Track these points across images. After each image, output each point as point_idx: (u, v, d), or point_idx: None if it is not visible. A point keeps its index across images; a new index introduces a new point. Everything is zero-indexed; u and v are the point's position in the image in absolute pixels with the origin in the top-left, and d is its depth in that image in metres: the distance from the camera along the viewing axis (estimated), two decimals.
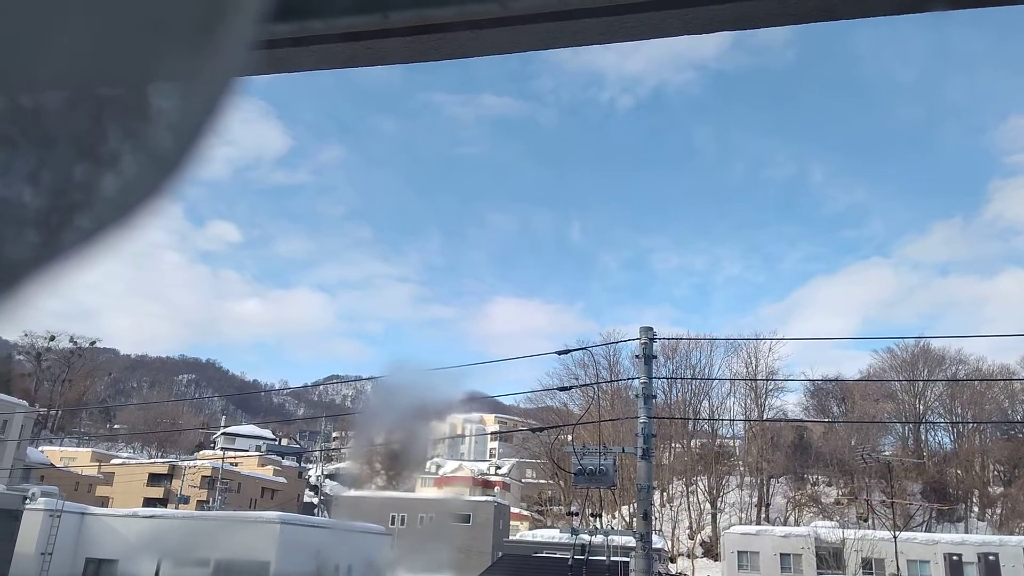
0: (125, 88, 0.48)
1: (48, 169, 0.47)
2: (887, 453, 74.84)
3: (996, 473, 76.38)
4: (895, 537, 47.39)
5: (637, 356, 17.40)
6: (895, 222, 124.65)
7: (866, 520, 64.29)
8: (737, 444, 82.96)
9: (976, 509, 74.47)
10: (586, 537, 20.51)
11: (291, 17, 1.09)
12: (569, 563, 21.74)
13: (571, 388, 63.62)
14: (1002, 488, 74.39)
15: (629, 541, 19.10)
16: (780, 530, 54.84)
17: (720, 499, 74.81)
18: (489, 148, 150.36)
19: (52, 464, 66.99)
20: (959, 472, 75.86)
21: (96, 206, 0.49)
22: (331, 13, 1.10)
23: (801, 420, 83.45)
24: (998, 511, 73.23)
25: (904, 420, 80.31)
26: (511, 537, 53.28)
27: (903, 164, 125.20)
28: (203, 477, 65.00)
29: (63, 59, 0.46)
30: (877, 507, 64.97)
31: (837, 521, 59.71)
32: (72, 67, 0.46)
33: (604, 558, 20.45)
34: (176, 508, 54.17)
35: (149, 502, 61.05)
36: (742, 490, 76.73)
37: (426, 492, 74.22)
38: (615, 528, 34.77)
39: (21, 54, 0.45)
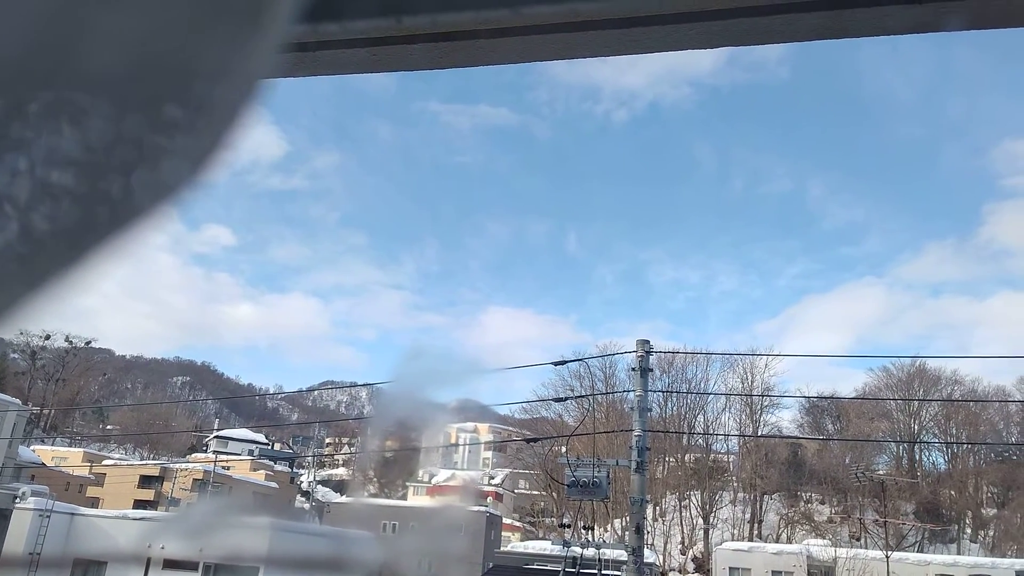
0: (150, 91, 0.48)
1: (74, 167, 0.47)
2: (881, 472, 74.71)
3: (989, 495, 76.31)
4: (887, 557, 47.31)
5: (633, 369, 17.39)
6: (891, 241, 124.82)
7: (859, 539, 64.16)
8: (731, 459, 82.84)
9: (969, 531, 74.36)
10: (578, 549, 20.42)
11: (305, 19, 1.08)
12: (560, 575, 21.64)
13: (566, 399, 63.62)
14: (995, 510, 74.33)
15: (621, 555, 19.06)
16: (772, 547, 54.66)
17: (713, 514, 74.63)
18: (485, 158, 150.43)
19: (43, 463, 66.68)
20: (953, 493, 75.82)
21: (119, 205, 0.49)
22: (347, 16, 1.10)
23: (796, 437, 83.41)
24: (991, 533, 73.13)
25: (899, 439, 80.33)
26: (502, 548, 53.06)
27: (901, 182, 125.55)
28: (194, 480, 64.72)
29: (75, 57, 0.46)
30: (870, 526, 64.87)
31: (830, 539, 59.59)
32: (91, 66, 0.46)
33: (595, 571, 20.37)
34: (167, 511, 53.94)
35: (140, 504, 60.82)
36: (735, 506, 76.56)
37: (418, 500, 73.97)
38: (607, 541, 34.66)
39: (48, 49, 0.45)
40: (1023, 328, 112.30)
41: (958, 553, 62.36)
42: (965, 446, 77.99)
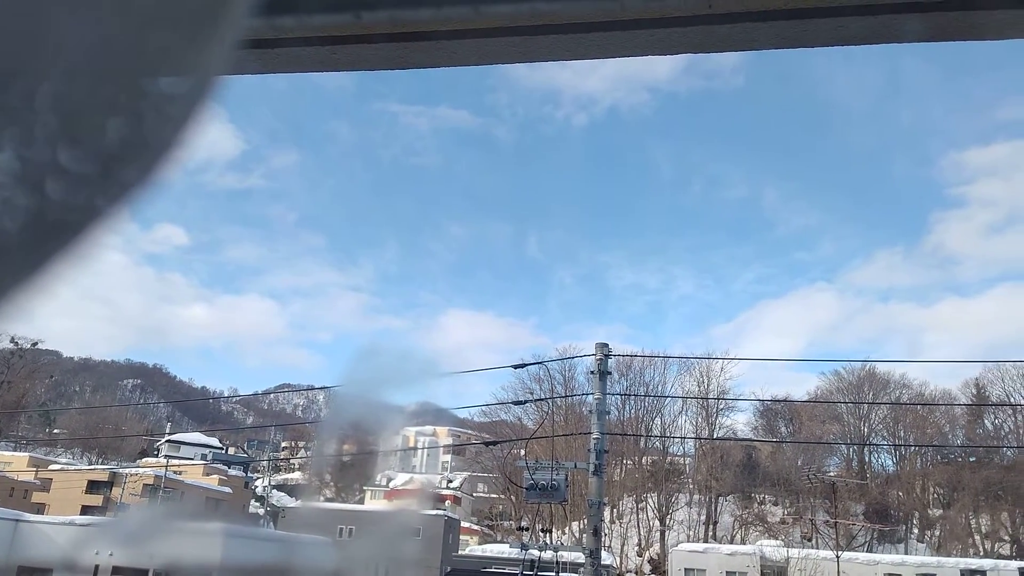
0: (104, 89, 0.48)
1: (25, 169, 0.46)
2: (832, 474, 76.34)
3: (936, 496, 78.42)
4: (838, 557, 48.30)
5: (592, 372, 17.50)
6: (843, 248, 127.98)
7: (810, 539, 65.40)
8: (687, 462, 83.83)
9: (916, 531, 76.32)
10: (536, 552, 20.47)
11: (262, 14, 1.07)
12: None
13: (526, 402, 63.77)
14: (941, 511, 76.40)
15: (578, 557, 19.15)
16: (727, 548, 55.44)
17: (669, 516, 75.40)
18: (446, 160, 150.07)
19: None
20: (900, 494, 77.72)
21: (73, 207, 0.48)
22: (303, 9, 1.09)
23: (750, 439, 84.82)
24: (937, 533, 75.17)
25: (849, 442, 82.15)
26: (461, 552, 52.89)
27: (852, 189, 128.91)
28: (145, 485, 63.25)
29: (26, 56, 0.45)
30: (821, 527, 66.14)
31: (782, 540, 60.62)
32: (44, 65, 0.45)
33: (553, 573, 20.44)
34: (115, 517, 52.63)
35: (88, 510, 59.23)
36: (691, 508, 77.47)
37: (375, 504, 73.36)
38: (565, 544, 34.80)
39: (11, 47, 0.44)
40: (968, 333, 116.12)
41: (906, 553, 63.94)
42: (913, 448, 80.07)
